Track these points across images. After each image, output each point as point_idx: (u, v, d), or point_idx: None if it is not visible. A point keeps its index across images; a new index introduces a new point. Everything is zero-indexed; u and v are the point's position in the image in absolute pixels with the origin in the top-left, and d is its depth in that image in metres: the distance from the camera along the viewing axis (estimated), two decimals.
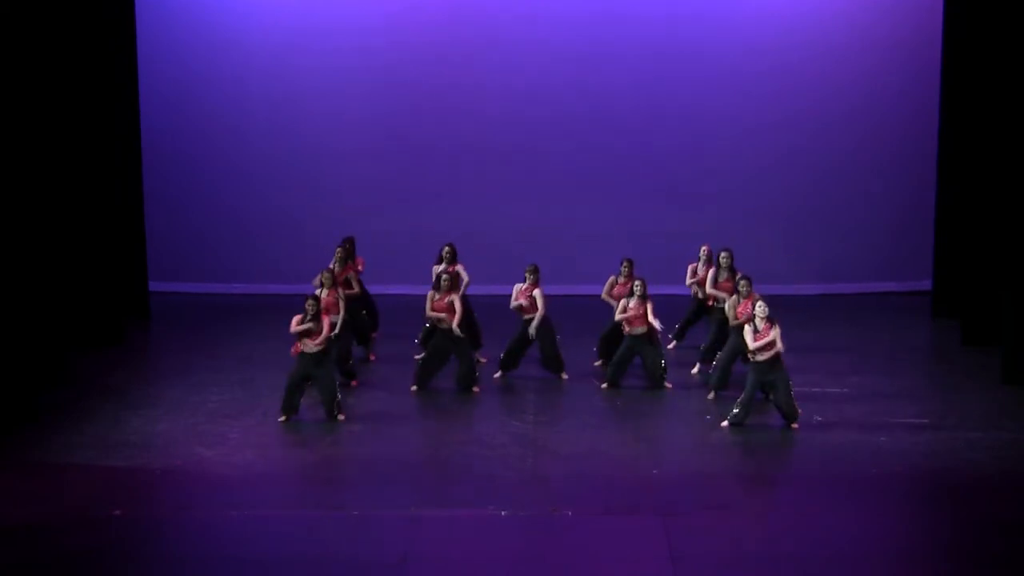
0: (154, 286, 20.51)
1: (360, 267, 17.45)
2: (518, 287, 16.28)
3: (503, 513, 12.16)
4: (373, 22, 21.23)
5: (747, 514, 12.27)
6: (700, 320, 17.61)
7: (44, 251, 16.23)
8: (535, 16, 21.19)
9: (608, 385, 16.11)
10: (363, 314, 17.62)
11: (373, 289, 18.74)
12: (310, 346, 14.74)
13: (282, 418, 14.82)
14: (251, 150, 21.43)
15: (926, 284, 20.38)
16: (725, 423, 14.60)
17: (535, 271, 16.27)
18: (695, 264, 17.46)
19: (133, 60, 19.30)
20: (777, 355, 14.50)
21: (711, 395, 15.62)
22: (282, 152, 21.39)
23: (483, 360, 16.89)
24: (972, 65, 18.59)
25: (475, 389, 16.00)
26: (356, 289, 17.29)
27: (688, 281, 17.49)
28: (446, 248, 17.05)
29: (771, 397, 14.77)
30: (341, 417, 14.84)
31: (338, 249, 17.19)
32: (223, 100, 21.34)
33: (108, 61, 18.69)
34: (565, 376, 16.48)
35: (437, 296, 15.94)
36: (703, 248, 17.39)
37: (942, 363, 17.51)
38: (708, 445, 14.20)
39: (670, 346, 17.70)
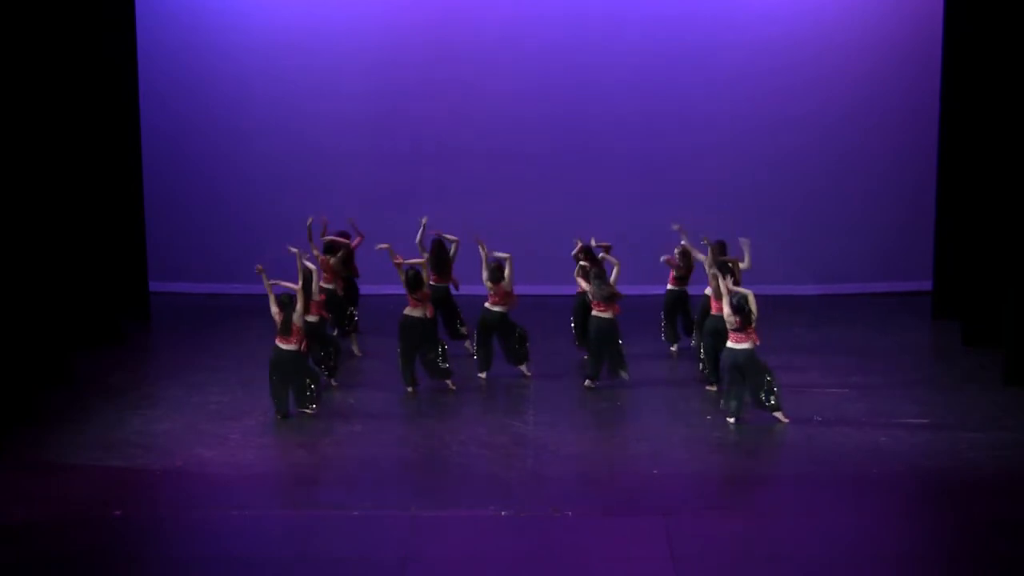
0: (154, 286, 20.49)
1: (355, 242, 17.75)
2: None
3: (503, 513, 12.17)
4: (373, 22, 21.21)
5: (747, 514, 12.28)
6: (679, 313, 17.68)
7: (44, 251, 16.23)
8: (536, 17, 21.14)
9: (591, 380, 16.08)
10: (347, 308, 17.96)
11: (373, 289, 18.77)
12: (282, 344, 14.81)
13: (278, 416, 14.86)
14: (251, 150, 21.41)
15: (926, 284, 20.36)
16: (732, 419, 14.62)
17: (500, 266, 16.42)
18: (672, 257, 17.57)
19: (133, 60, 19.29)
20: (753, 341, 14.54)
21: (713, 387, 15.68)
22: (282, 152, 21.37)
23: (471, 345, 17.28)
24: (972, 65, 18.57)
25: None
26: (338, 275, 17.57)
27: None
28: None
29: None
30: (311, 408, 14.91)
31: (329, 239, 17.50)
32: (223, 100, 21.32)
33: (108, 61, 18.69)
34: (528, 372, 16.57)
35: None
36: (678, 248, 17.56)
37: (942, 363, 17.49)
38: (708, 445, 14.20)
39: (672, 348, 17.75)
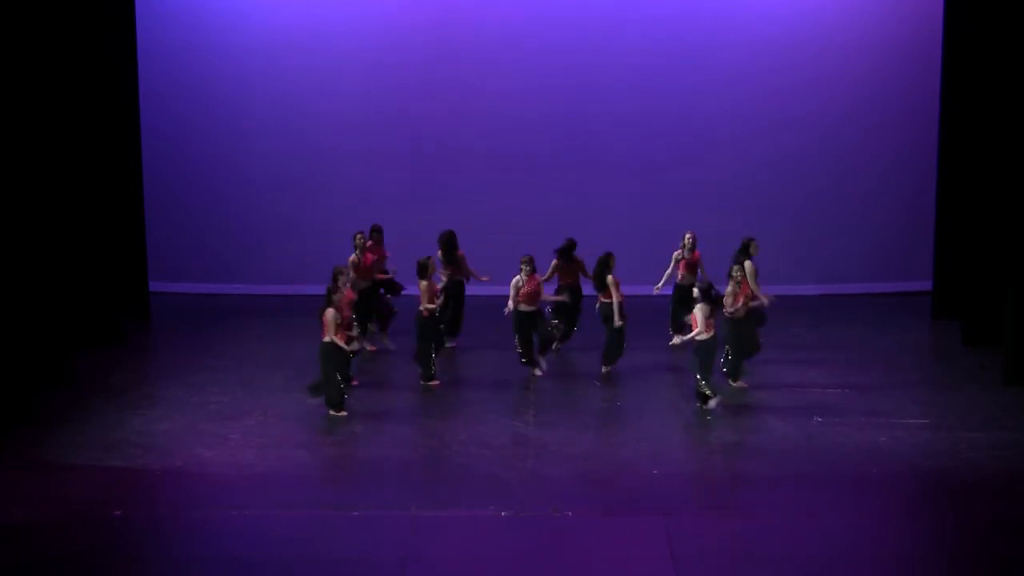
0: (154, 286, 20.49)
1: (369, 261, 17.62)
2: (517, 281, 16.28)
3: (503, 513, 12.17)
4: (374, 22, 21.22)
5: (747, 514, 12.27)
6: (686, 307, 17.69)
7: (44, 251, 16.23)
8: (536, 17, 21.16)
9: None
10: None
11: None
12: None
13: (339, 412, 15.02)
14: (251, 150, 21.42)
15: (926, 284, 20.37)
16: (713, 403, 14.94)
17: (530, 261, 16.34)
18: (679, 251, 17.61)
19: (133, 60, 19.30)
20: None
21: (740, 383, 15.76)
22: (282, 152, 21.38)
23: (452, 345, 17.64)
24: (972, 65, 18.58)
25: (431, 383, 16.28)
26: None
27: (670, 270, 17.67)
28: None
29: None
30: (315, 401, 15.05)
31: (358, 235, 17.42)
32: (223, 100, 21.33)
33: (108, 61, 18.69)
34: (539, 372, 16.54)
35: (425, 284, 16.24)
36: (687, 235, 17.61)
37: (942, 363, 17.50)
38: (708, 445, 14.21)
39: (674, 342, 17.76)
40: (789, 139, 21.29)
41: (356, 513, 12.22)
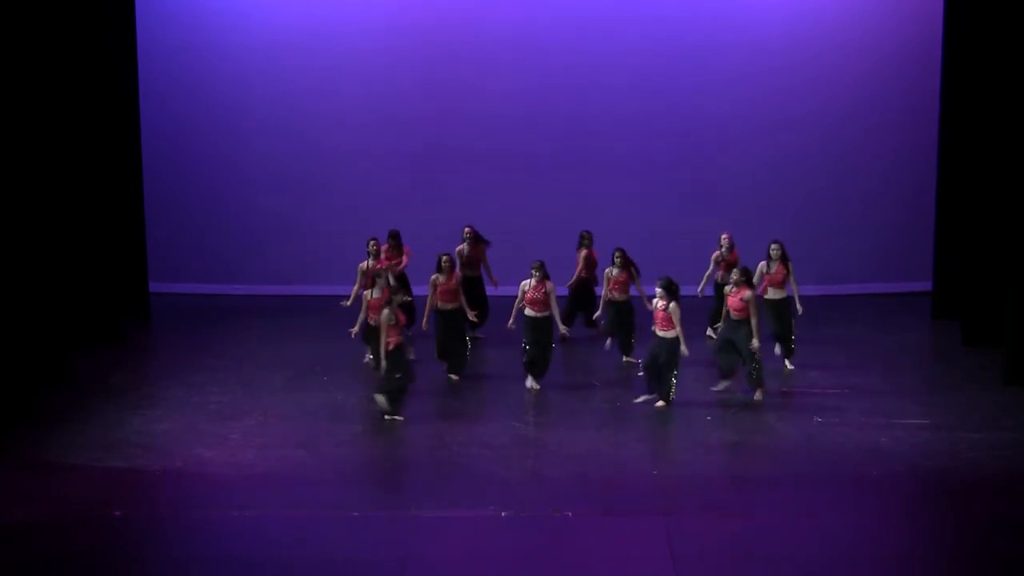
0: (154, 286, 20.50)
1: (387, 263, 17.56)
2: (525, 285, 16.18)
3: (503, 513, 12.17)
4: (373, 22, 21.23)
5: (747, 514, 12.27)
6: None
7: (44, 251, 16.24)
8: (536, 17, 21.17)
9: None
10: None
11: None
12: None
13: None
14: (251, 150, 21.42)
15: (926, 284, 20.37)
16: (661, 403, 15.21)
17: (541, 267, 16.22)
18: (717, 252, 17.72)
19: (133, 60, 19.30)
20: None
21: (757, 395, 15.59)
22: (282, 152, 21.38)
23: (480, 336, 17.88)
24: (972, 65, 18.59)
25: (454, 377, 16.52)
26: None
27: (710, 271, 17.82)
28: (467, 230, 18.17)
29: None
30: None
31: (371, 242, 17.37)
32: (223, 100, 21.33)
33: (108, 61, 18.69)
34: (536, 386, 16.18)
35: (442, 279, 16.26)
36: (724, 236, 17.78)
37: (942, 363, 17.50)
38: (708, 445, 14.20)
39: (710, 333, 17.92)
40: (789, 139, 21.30)
41: (356, 513, 12.22)
